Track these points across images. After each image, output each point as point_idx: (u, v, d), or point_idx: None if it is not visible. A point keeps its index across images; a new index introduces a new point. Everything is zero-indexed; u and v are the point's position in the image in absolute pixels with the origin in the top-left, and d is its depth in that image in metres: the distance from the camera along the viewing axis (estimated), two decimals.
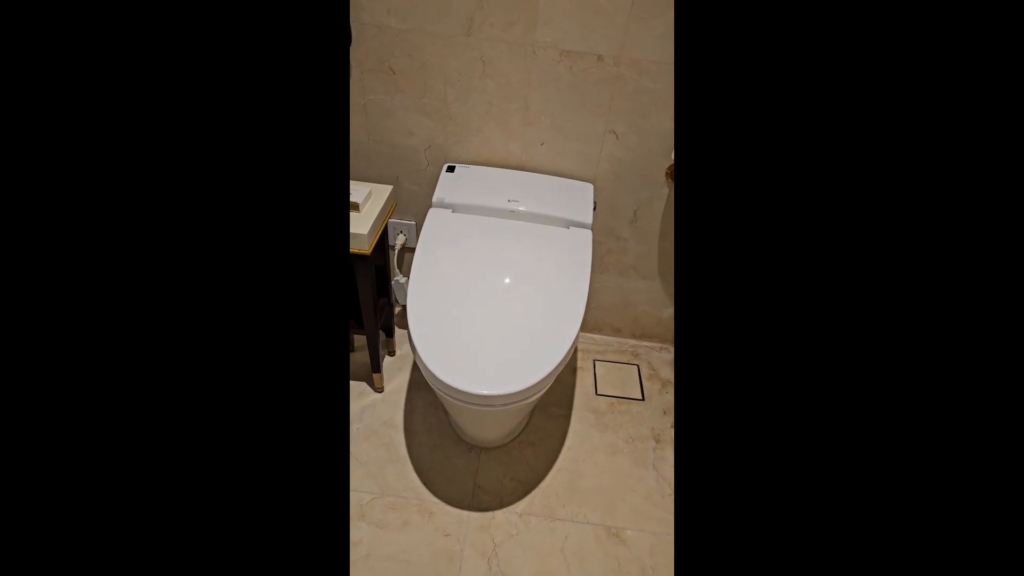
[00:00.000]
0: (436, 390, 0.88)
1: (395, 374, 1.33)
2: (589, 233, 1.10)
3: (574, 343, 0.92)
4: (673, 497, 1.14)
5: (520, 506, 1.08)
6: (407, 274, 1.39)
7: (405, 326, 1.45)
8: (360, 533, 1.01)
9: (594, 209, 1.17)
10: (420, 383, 1.31)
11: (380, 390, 1.28)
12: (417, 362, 0.90)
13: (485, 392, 0.82)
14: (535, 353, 0.88)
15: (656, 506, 1.11)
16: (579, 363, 1.43)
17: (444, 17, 1.03)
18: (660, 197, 1.24)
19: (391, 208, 1.13)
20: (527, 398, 0.87)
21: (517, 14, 1.02)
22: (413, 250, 1.38)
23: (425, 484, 1.10)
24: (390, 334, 1.37)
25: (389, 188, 1.13)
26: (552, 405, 1.30)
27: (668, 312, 1.46)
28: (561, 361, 0.88)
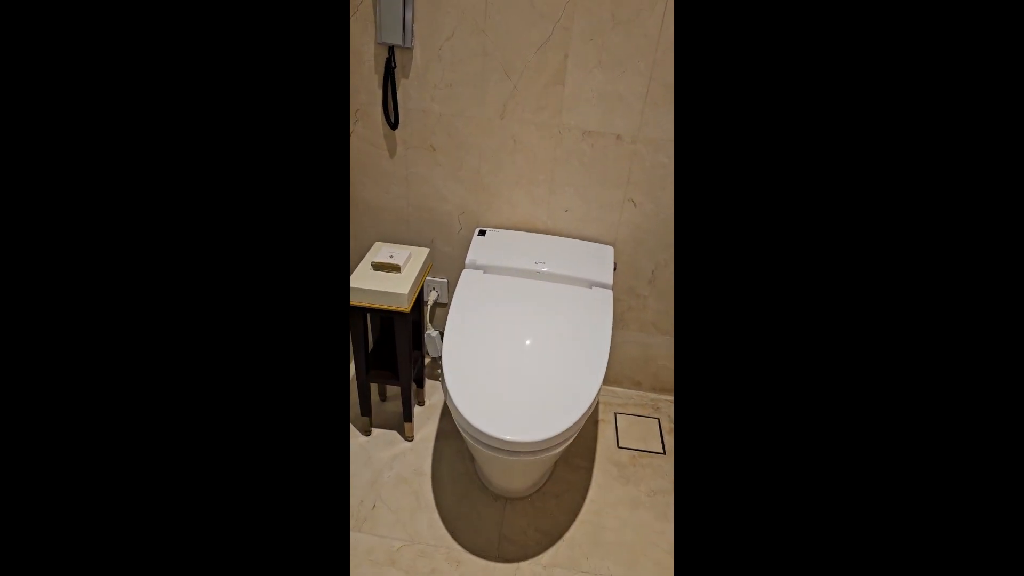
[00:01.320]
0: (466, 435, 0.94)
1: (424, 423, 1.39)
2: (610, 292, 1.18)
3: (597, 395, 0.98)
4: None
5: (544, 558, 1.11)
6: (439, 328, 1.48)
7: (435, 377, 1.53)
8: None
9: (614, 270, 1.26)
10: (448, 432, 1.37)
11: (410, 439, 1.34)
12: (450, 408, 0.97)
13: (512, 438, 0.89)
14: (561, 404, 0.94)
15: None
16: (601, 416, 1.47)
17: (481, 104, 1.18)
18: (671, 262, 1.32)
19: (428, 268, 1.24)
20: (552, 448, 0.93)
21: (545, 101, 1.16)
22: (444, 305, 1.48)
23: (452, 533, 1.14)
24: (420, 385, 1.44)
25: (426, 251, 1.24)
26: (575, 456, 1.34)
27: None
28: (585, 412, 0.94)
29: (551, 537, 1.15)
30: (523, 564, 1.09)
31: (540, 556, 1.11)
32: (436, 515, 1.17)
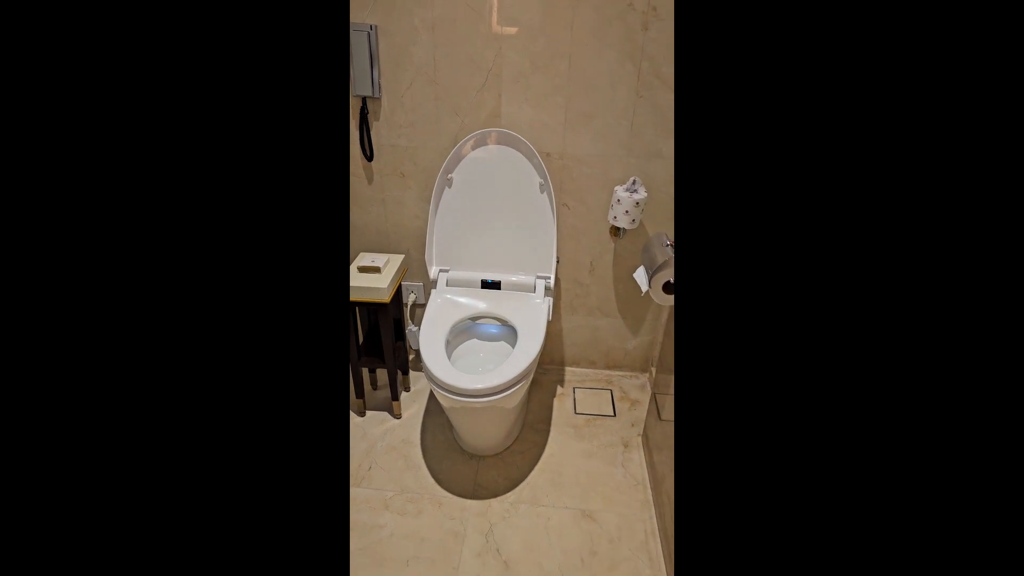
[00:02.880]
0: (437, 390, 1.20)
1: (410, 405, 1.64)
2: (550, 296, 1.47)
3: (536, 357, 1.25)
4: (637, 487, 1.39)
5: (511, 496, 1.35)
6: (418, 324, 1.74)
7: (418, 369, 1.78)
8: (385, 519, 1.28)
9: (557, 263, 1.54)
10: (431, 410, 1.62)
11: (398, 416, 1.59)
12: (424, 371, 1.23)
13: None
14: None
15: (623, 494, 1.37)
16: (561, 391, 1.73)
17: (438, 137, 1.48)
18: (608, 251, 1.61)
19: (404, 271, 1.52)
20: (504, 392, 1.19)
21: (488, 131, 1.46)
22: (422, 306, 1.75)
23: (435, 483, 1.38)
24: (405, 372, 1.70)
25: (401, 256, 1.52)
26: (539, 423, 1.59)
27: (632, 344, 1.77)
28: (527, 368, 1.21)
29: (516, 482, 1.39)
30: (493, 501, 1.33)
31: (507, 495, 1.35)
32: (422, 471, 1.42)
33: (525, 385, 1.24)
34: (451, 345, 1.38)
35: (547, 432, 1.56)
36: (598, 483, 1.40)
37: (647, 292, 1.16)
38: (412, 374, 1.76)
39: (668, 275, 1.10)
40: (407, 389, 1.70)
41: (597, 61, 1.34)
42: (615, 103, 1.39)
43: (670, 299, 1.13)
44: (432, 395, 1.67)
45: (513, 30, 1.33)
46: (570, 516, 1.31)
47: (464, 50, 1.36)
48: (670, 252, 1.11)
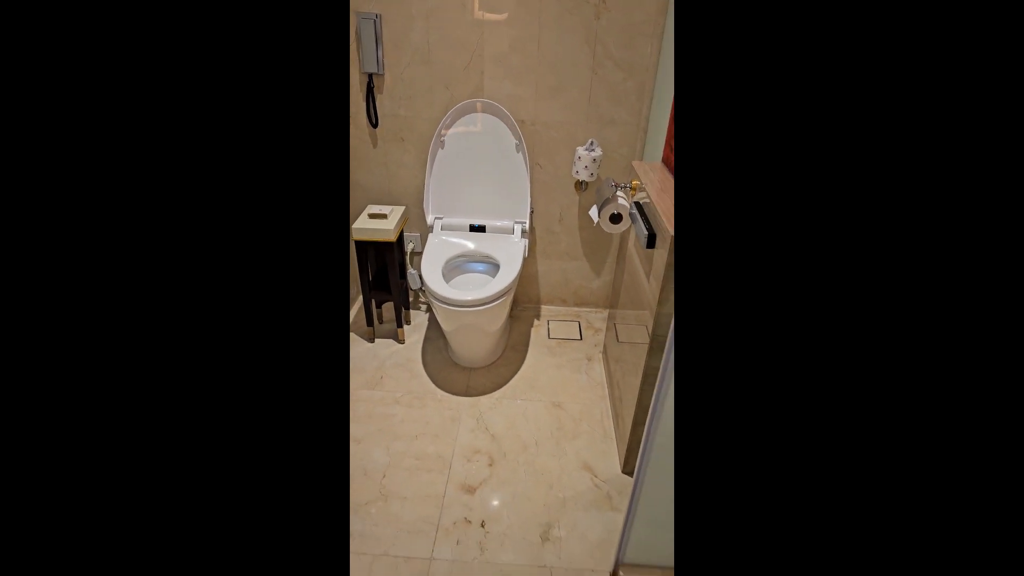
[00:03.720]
0: (437, 303, 1.53)
1: (411, 334, 1.97)
2: (525, 237, 1.80)
3: (514, 280, 1.59)
4: (596, 387, 1.75)
5: (496, 394, 1.70)
6: (417, 269, 2.07)
7: (417, 307, 2.11)
8: (396, 411, 1.62)
9: (531, 213, 1.87)
10: (431, 337, 1.95)
11: (402, 342, 1.92)
12: (426, 290, 1.55)
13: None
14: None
15: (585, 392, 1.72)
16: (537, 323, 2.08)
17: (431, 108, 1.79)
18: (574, 203, 1.94)
19: (405, 220, 1.84)
20: (489, 304, 1.52)
21: (474, 102, 1.78)
22: (419, 253, 2.07)
23: (436, 387, 1.72)
24: (407, 307, 2.03)
25: (403, 208, 1.84)
26: (520, 345, 1.93)
27: (596, 283, 2.12)
28: (507, 287, 1.54)
29: (500, 385, 1.74)
30: (482, 398, 1.68)
31: (493, 393, 1.70)
32: (424, 379, 1.75)
33: (506, 301, 1.58)
34: (446, 278, 1.71)
35: (526, 351, 1.91)
36: (566, 385, 1.75)
37: (598, 223, 1.50)
38: (412, 311, 2.09)
39: (613, 208, 1.44)
40: (408, 323, 2.03)
41: (560, 45, 1.66)
42: (576, 79, 1.71)
43: (616, 228, 1.47)
44: (431, 324, 2.01)
45: (493, 17, 1.64)
46: (543, 406, 1.66)
47: (453, 34, 1.67)
48: (615, 190, 1.46)
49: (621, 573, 1.16)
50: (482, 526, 1.28)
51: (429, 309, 2.12)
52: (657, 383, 0.91)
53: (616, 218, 1.49)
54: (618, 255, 2.02)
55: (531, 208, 1.87)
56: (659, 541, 1.12)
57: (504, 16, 1.64)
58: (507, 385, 1.74)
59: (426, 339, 1.95)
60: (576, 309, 2.17)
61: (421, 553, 1.21)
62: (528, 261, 2.06)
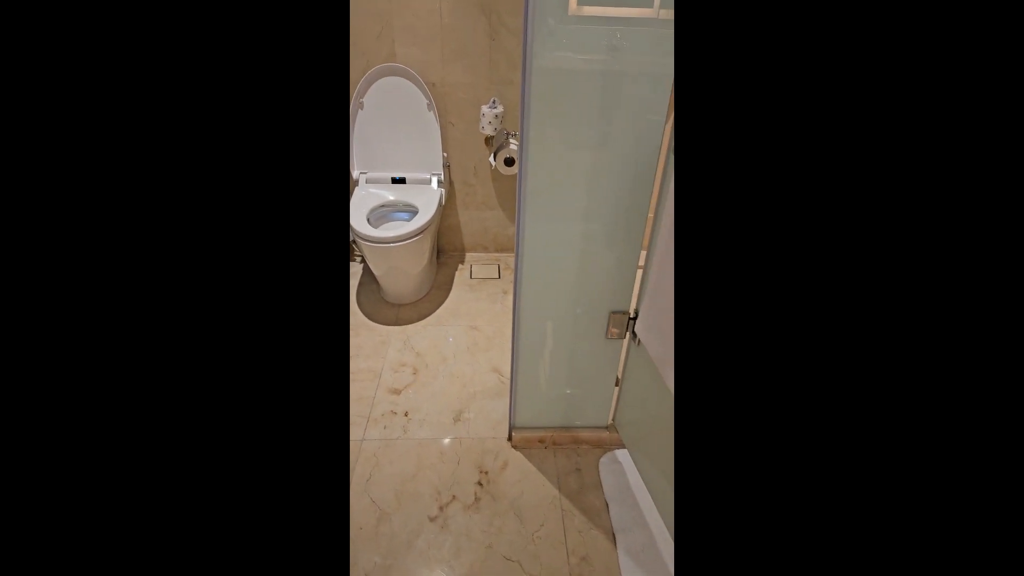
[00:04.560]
0: (364, 243, 1.77)
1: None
2: (441, 187, 2.06)
3: (431, 220, 1.84)
4: (508, 313, 2.04)
5: (422, 323, 1.96)
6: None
7: (353, 260, 2.34)
8: None
9: (448, 167, 2.12)
10: (363, 283, 2.19)
11: None
12: (354, 234, 1.79)
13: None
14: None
15: (498, 318, 2.01)
16: (462, 267, 2.35)
17: (351, 73, 2.00)
18: (485, 156, 2.21)
19: None
20: (409, 239, 1.77)
21: (387, 66, 2.00)
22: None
23: (368, 320, 1.97)
24: None
25: None
26: (444, 284, 2.20)
27: (512, 230, 2.41)
28: (424, 224, 1.80)
29: (426, 315, 2.01)
30: (408, 326, 1.94)
31: (419, 322, 1.96)
32: (358, 316, 1.99)
33: (424, 237, 1.84)
34: (373, 225, 1.94)
35: (450, 289, 2.18)
36: (483, 312, 2.04)
37: (495, 167, 1.77)
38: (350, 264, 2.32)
39: (506, 153, 1.72)
40: None
41: (460, 14, 1.90)
42: (476, 45, 1.96)
43: (510, 170, 1.75)
44: (364, 271, 2.24)
45: None
46: (462, 328, 1.94)
47: (364, 6, 1.88)
48: (507, 137, 1.73)
49: (514, 434, 1.47)
50: (405, 415, 1.56)
51: (363, 260, 2.35)
52: (515, 281, 1.20)
53: (509, 161, 1.77)
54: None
55: (447, 163, 2.11)
56: (538, 411, 1.43)
57: None
58: (432, 315, 2.01)
59: (360, 284, 2.19)
60: (496, 254, 2.45)
61: (354, 437, 1.48)
62: (451, 213, 2.32)
